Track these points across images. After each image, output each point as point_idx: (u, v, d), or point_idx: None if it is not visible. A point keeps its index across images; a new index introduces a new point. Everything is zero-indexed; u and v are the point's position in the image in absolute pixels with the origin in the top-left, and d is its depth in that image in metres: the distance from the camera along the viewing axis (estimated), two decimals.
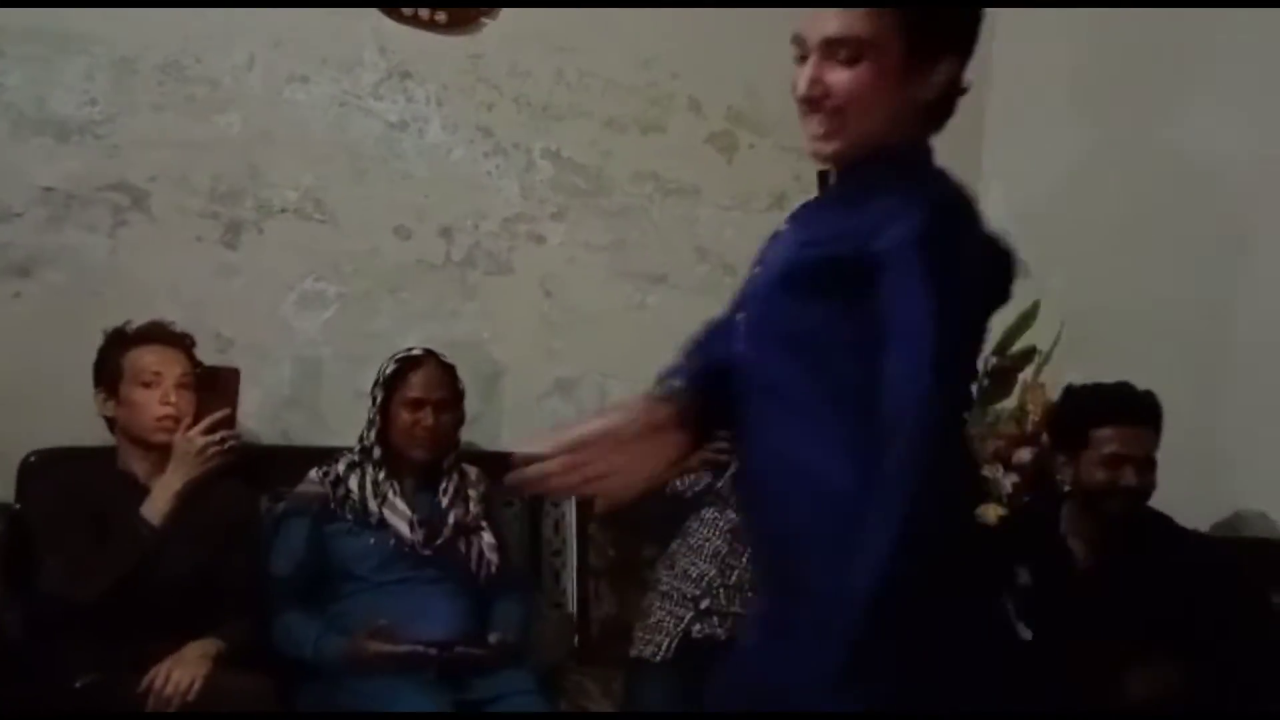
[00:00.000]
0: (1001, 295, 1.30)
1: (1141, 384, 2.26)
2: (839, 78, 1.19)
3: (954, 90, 1.25)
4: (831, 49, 1.20)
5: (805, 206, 1.34)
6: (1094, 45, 3.02)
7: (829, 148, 1.23)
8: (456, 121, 2.75)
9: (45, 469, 2.23)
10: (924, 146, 1.27)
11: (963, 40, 1.24)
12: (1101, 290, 2.91)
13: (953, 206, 1.19)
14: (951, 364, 1.14)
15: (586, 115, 2.88)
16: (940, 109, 1.26)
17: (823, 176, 1.31)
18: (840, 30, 1.19)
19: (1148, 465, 2.21)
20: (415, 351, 2.40)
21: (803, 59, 1.23)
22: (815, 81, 1.21)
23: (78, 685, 1.93)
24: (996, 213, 3.36)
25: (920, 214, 1.14)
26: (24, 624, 2.07)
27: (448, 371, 2.40)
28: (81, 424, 2.21)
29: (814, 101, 1.21)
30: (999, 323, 2.84)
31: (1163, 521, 2.26)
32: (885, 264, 1.13)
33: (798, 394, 1.21)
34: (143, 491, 2.11)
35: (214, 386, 2.16)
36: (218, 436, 2.11)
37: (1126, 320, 2.84)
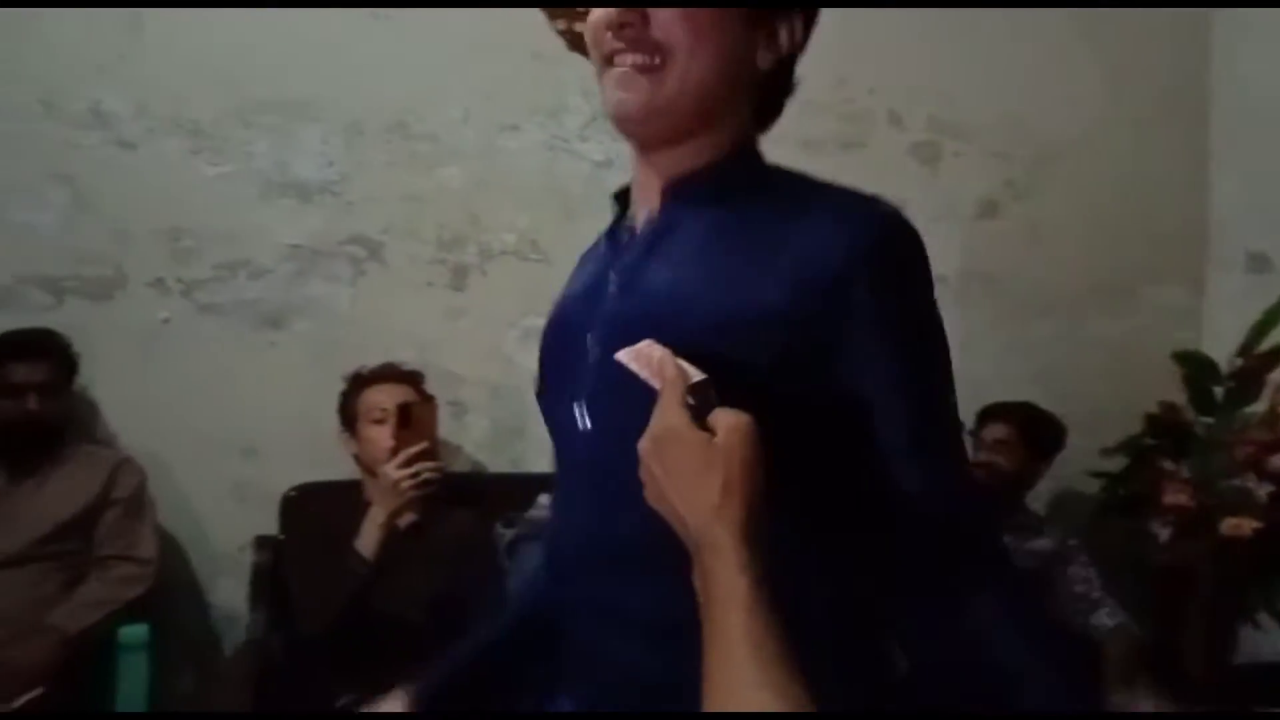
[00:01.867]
0: None
1: None
2: (668, 12, 0.90)
3: (786, 74, 1.00)
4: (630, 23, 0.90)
5: (621, 252, 1.01)
6: None
7: (639, 98, 0.92)
8: None
9: (303, 503, 2.42)
10: (757, 154, 1.01)
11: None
12: None
13: (908, 236, 0.93)
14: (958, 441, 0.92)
15: (782, 138, 2.88)
16: (770, 97, 1.01)
17: (622, 198, 1.04)
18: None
19: None
20: None
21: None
22: (634, 8, 0.90)
23: (339, 705, 2.08)
24: (1233, 205, 3.19)
25: (879, 244, 0.90)
26: (287, 647, 2.25)
27: None
28: (335, 459, 2.40)
29: (629, 29, 0.90)
30: (1243, 321, 2.67)
31: None
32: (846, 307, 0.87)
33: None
34: None
35: (411, 422, 2.23)
36: (412, 470, 2.16)
37: None
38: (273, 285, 2.60)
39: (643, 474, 0.84)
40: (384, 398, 2.30)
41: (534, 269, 2.75)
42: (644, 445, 0.83)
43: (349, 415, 2.35)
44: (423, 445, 2.19)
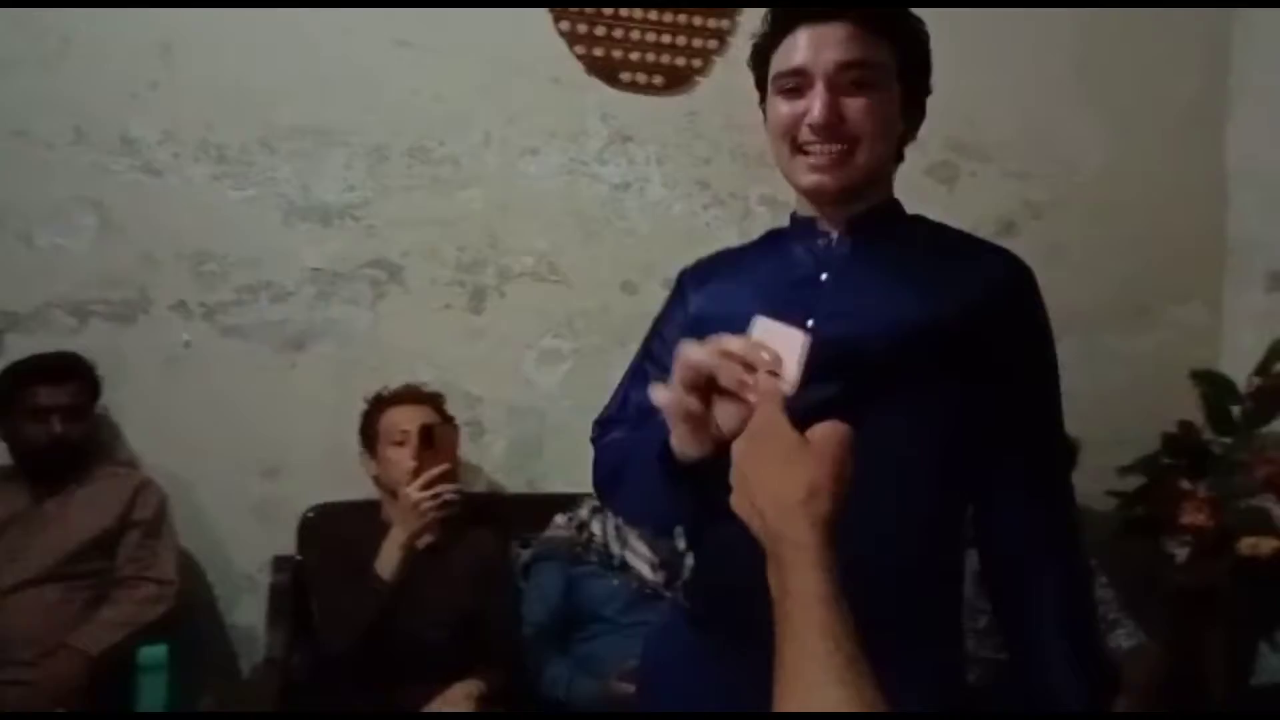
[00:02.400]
0: None
1: None
2: (854, 103, 1.15)
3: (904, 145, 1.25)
4: (841, 74, 1.15)
5: (824, 267, 1.23)
6: None
7: (836, 181, 1.17)
8: (676, 178, 2.86)
9: (321, 523, 2.44)
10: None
11: (926, 60, 1.25)
12: None
13: (1023, 268, 1.22)
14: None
15: None
16: (900, 150, 1.26)
17: (804, 221, 1.28)
18: (852, 54, 1.15)
19: None
20: None
21: (794, 92, 1.18)
22: (830, 107, 1.15)
23: None
24: (1251, 224, 3.19)
25: (1018, 278, 1.18)
26: (308, 667, 2.27)
27: None
28: (354, 480, 2.42)
29: (829, 129, 1.15)
30: (1262, 340, 2.67)
31: None
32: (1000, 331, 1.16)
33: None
34: None
35: (433, 443, 2.23)
36: (432, 492, 2.15)
37: None
38: (294, 308, 2.63)
39: (732, 477, 0.90)
40: (405, 419, 2.32)
41: (552, 290, 2.77)
42: (738, 446, 0.92)
43: (370, 436, 2.37)
44: (444, 467, 2.19)
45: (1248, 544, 2.50)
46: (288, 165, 2.63)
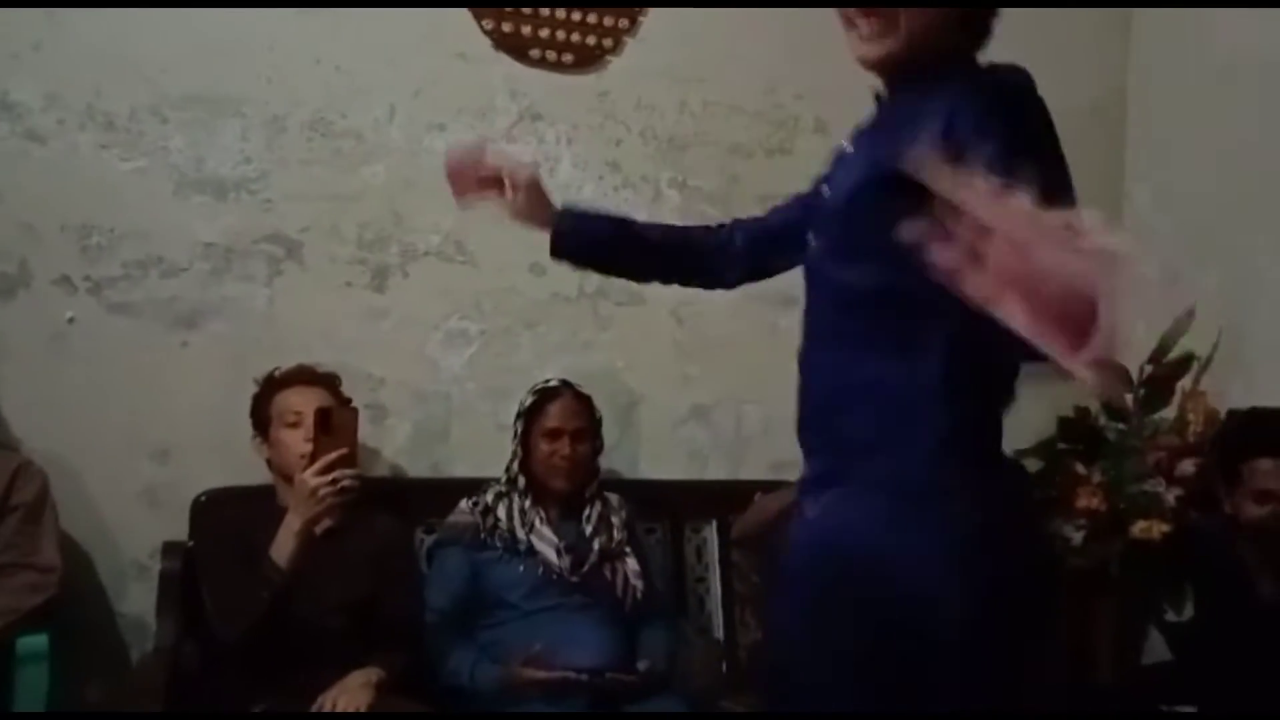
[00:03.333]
0: None
1: None
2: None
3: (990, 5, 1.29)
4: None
5: (867, 127, 1.38)
6: (1242, 33, 2.89)
7: (878, 50, 1.26)
8: (586, 158, 2.82)
9: (214, 508, 2.36)
10: (970, 59, 1.29)
11: None
12: (1263, 292, 2.77)
13: (1010, 84, 1.21)
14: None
15: (712, 143, 2.92)
16: (978, 23, 1.29)
17: (879, 99, 1.36)
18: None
19: None
20: (552, 383, 2.46)
21: None
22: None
23: (255, 712, 2.03)
24: (1145, 216, 3.28)
25: (980, 99, 1.17)
26: (198, 656, 2.19)
27: (584, 401, 2.45)
28: (248, 464, 2.34)
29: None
30: (1153, 329, 2.74)
31: None
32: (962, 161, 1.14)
33: (865, 303, 1.26)
34: None
35: (330, 427, 2.13)
36: (330, 477, 2.06)
37: None
38: (186, 284, 2.52)
39: None
40: (299, 401, 2.24)
41: (458, 271, 2.72)
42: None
43: (261, 419, 2.29)
44: (342, 451, 2.10)
45: (1140, 528, 2.57)
46: (180, 135, 2.52)
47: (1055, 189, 1.07)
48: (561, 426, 2.38)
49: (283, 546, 2.08)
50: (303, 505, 2.08)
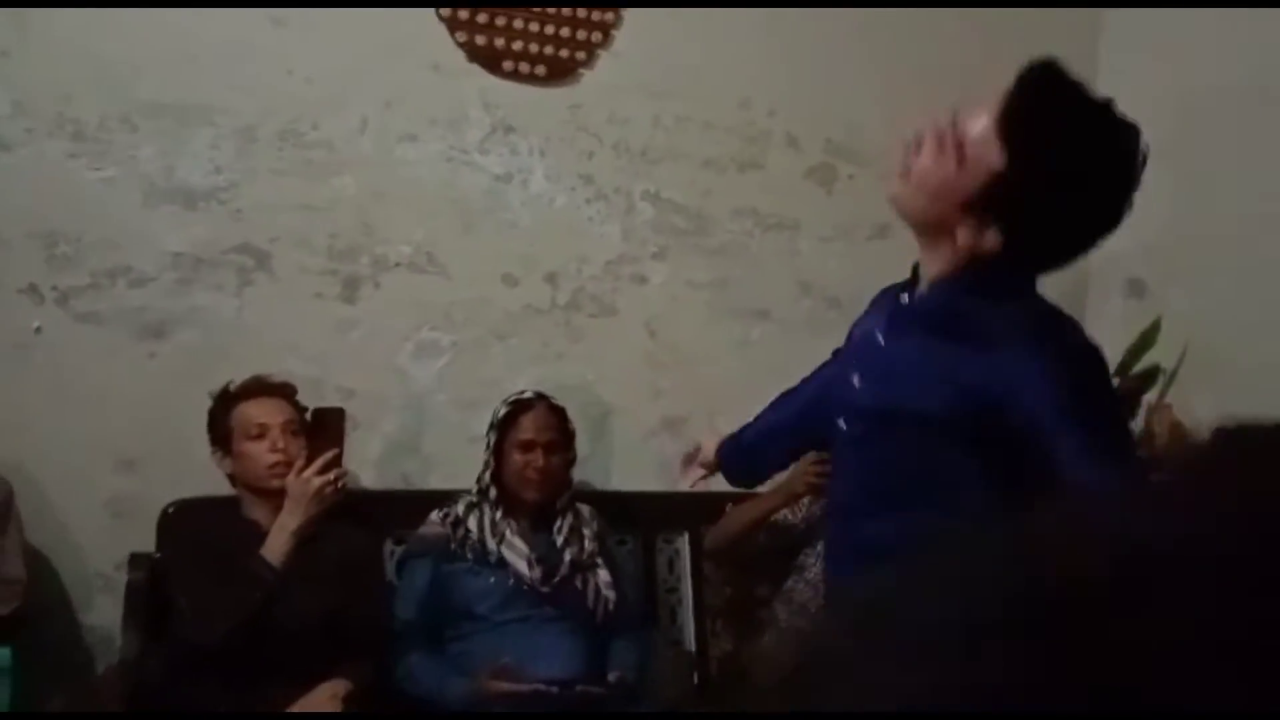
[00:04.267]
0: None
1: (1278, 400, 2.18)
2: (929, 143, 1.32)
3: (1051, 202, 1.28)
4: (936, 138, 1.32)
5: (897, 309, 1.43)
6: (1210, 52, 2.94)
7: (891, 188, 1.37)
8: (559, 171, 2.82)
9: (181, 519, 2.34)
10: (1022, 279, 1.34)
11: (1049, 143, 1.28)
12: (1227, 306, 2.81)
13: (1082, 354, 1.28)
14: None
15: (684, 157, 2.93)
16: (1023, 231, 1.29)
17: (915, 270, 1.42)
18: (952, 122, 1.32)
19: None
20: (527, 394, 2.46)
21: None
22: (918, 137, 1.35)
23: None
24: (1113, 233, 3.29)
25: (1053, 365, 1.24)
26: (164, 667, 2.17)
27: (557, 414, 2.45)
28: (216, 475, 2.32)
29: (905, 148, 1.35)
30: (1119, 343, 2.78)
31: None
32: (1035, 422, 1.23)
33: (906, 473, 1.36)
34: (265, 537, 2.18)
35: (322, 428, 2.21)
36: (330, 476, 2.14)
37: (1257, 337, 2.73)
38: (154, 294, 2.50)
39: None
40: (259, 412, 2.23)
41: (430, 282, 2.71)
42: None
43: (221, 433, 2.27)
44: (335, 451, 2.16)
45: None
46: (150, 144, 2.50)
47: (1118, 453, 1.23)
48: (534, 439, 2.38)
49: (276, 546, 2.10)
50: (301, 505, 2.11)
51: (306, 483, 2.11)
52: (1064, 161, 1.25)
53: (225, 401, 2.27)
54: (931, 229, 1.33)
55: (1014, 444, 1.23)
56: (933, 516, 1.26)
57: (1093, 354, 1.30)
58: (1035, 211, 1.27)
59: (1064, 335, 1.29)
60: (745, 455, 1.88)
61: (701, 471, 1.97)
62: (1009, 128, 1.25)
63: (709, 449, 1.92)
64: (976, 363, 1.27)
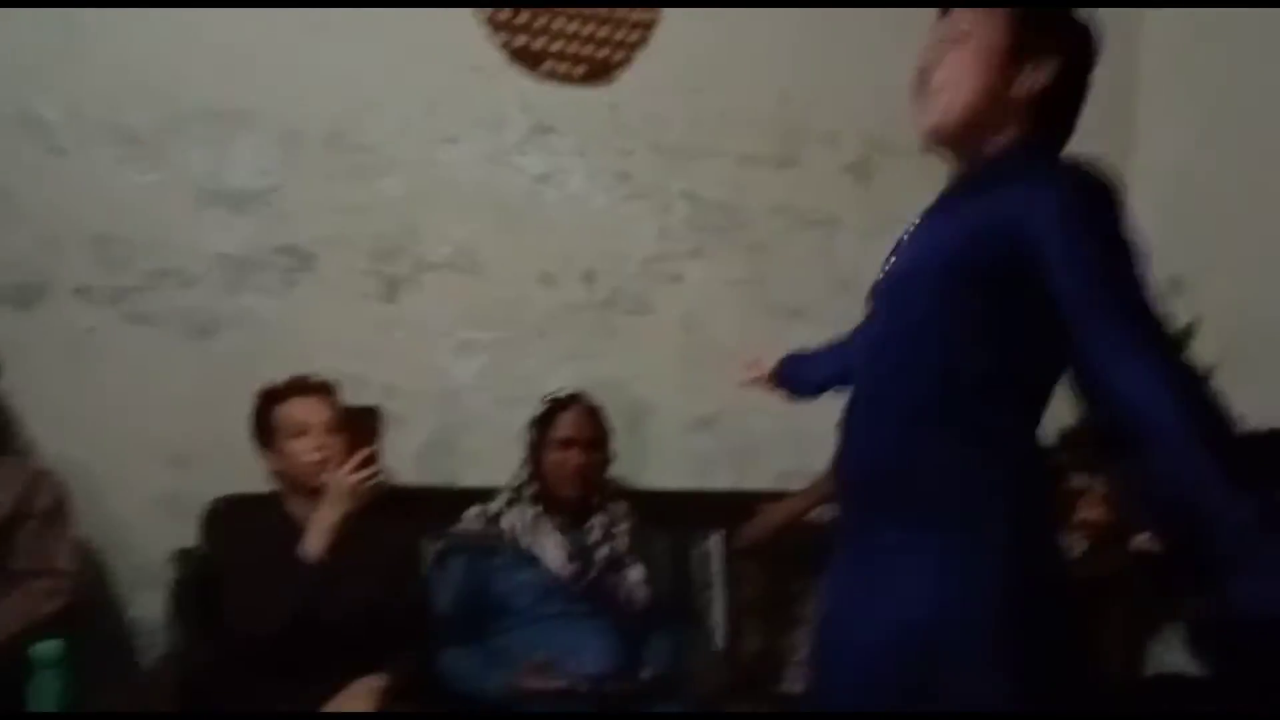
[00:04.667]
0: None
1: None
2: (950, 63, 1.35)
3: (1063, 95, 1.35)
4: (942, 31, 1.37)
5: (936, 205, 1.43)
6: (1249, 41, 2.89)
7: (926, 121, 1.36)
8: (596, 170, 2.85)
9: (227, 515, 2.39)
10: (1049, 145, 1.35)
11: (1063, 44, 1.35)
12: (1268, 305, 2.77)
13: (1091, 184, 1.25)
14: (1149, 318, 1.20)
15: (721, 154, 2.94)
16: (1054, 112, 1.35)
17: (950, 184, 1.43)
18: (951, 15, 1.37)
19: None
20: (565, 393, 2.49)
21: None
22: (926, 52, 1.38)
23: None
24: (1147, 223, 3.26)
25: (1059, 192, 1.22)
26: (210, 663, 2.22)
27: (595, 412, 2.48)
28: (260, 473, 2.38)
29: (922, 73, 1.36)
30: None
31: None
32: (1039, 251, 1.21)
33: (917, 383, 1.32)
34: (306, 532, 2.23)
35: (357, 426, 2.25)
36: (365, 473, 2.18)
37: None
38: (203, 294, 2.57)
39: None
40: (300, 411, 2.28)
41: (469, 281, 2.75)
42: None
43: (265, 432, 2.32)
44: (371, 450, 2.20)
45: (1142, 539, 2.58)
46: (197, 148, 2.57)
47: (1123, 292, 1.20)
48: (574, 436, 2.42)
49: (315, 542, 2.15)
50: (340, 501, 2.16)
51: (343, 480, 2.16)
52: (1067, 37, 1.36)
53: (267, 401, 2.32)
54: (970, 139, 1.35)
55: (1027, 294, 1.22)
56: (934, 419, 1.29)
57: (1102, 189, 1.25)
58: (1057, 88, 1.34)
59: (1074, 171, 1.27)
60: (804, 363, 1.98)
61: (757, 373, 2.10)
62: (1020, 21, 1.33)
63: (768, 364, 2.05)
64: (984, 203, 1.29)
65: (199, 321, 2.57)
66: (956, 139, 1.36)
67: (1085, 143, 1.39)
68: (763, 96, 2.96)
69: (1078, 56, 1.37)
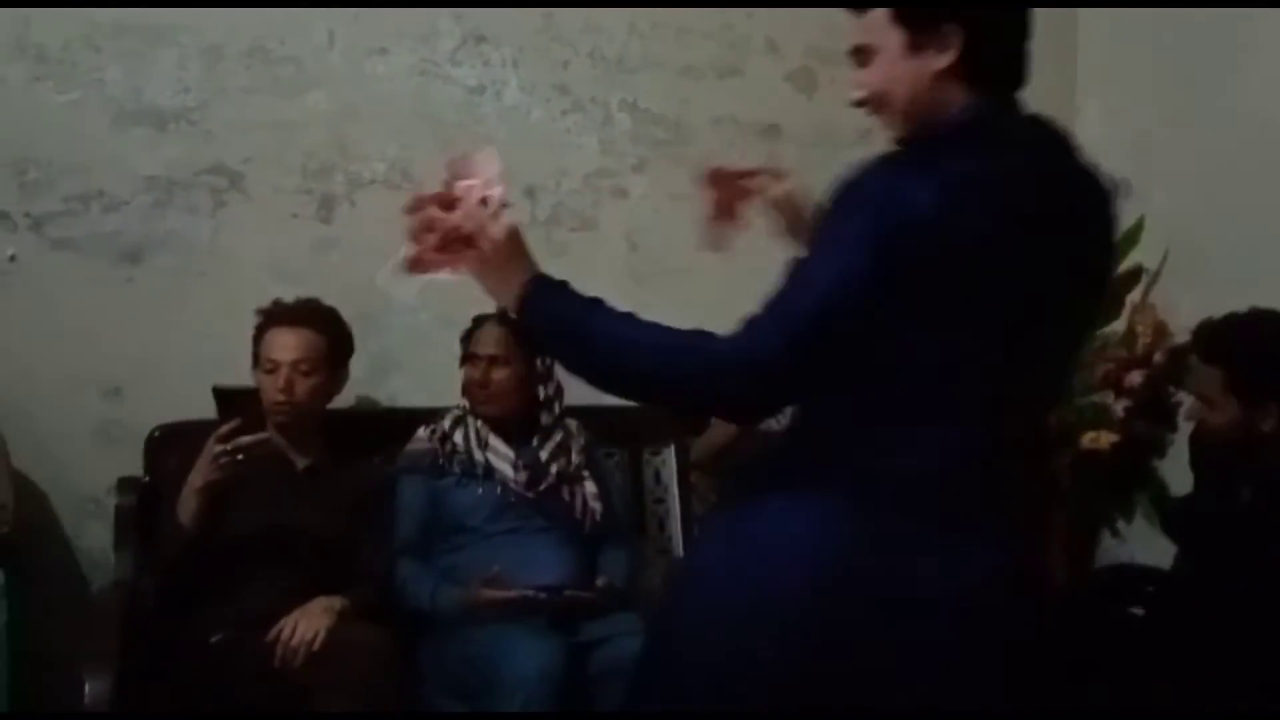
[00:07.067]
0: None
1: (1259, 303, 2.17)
2: (859, 79, 1.32)
3: (985, 46, 1.27)
4: (853, 58, 1.33)
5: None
6: None
7: (892, 133, 1.33)
8: (533, 81, 2.78)
9: (169, 443, 2.34)
10: (996, 105, 1.29)
11: (955, 11, 1.26)
12: (1211, 206, 2.80)
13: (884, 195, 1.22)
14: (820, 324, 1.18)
15: (661, 65, 2.88)
16: (983, 67, 1.28)
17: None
18: (850, 41, 1.31)
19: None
20: (489, 311, 2.44)
21: None
22: (852, 87, 1.33)
23: (211, 641, 2.04)
24: (1092, 130, 3.28)
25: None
26: (157, 590, 2.19)
27: (512, 327, 2.43)
28: (200, 398, 2.32)
29: (860, 103, 1.33)
30: None
31: None
32: None
33: None
34: (277, 459, 2.22)
35: (248, 408, 2.17)
36: (229, 445, 2.04)
37: (1239, 237, 2.72)
38: (128, 218, 2.48)
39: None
40: (276, 347, 2.22)
41: (406, 198, 2.68)
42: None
43: (254, 352, 2.27)
44: (237, 422, 2.07)
45: (1089, 438, 2.62)
46: (115, 65, 2.46)
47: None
48: (479, 352, 2.39)
49: (185, 505, 2.08)
50: (203, 468, 2.06)
51: (209, 446, 2.05)
52: None
53: (260, 324, 2.27)
54: (914, 115, 1.30)
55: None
56: None
57: (902, 205, 1.19)
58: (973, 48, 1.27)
59: (894, 176, 1.23)
60: None
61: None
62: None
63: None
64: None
65: (126, 246, 2.49)
66: (904, 119, 1.32)
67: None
68: (702, 5, 2.90)
69: (979, 8, 1.28)
